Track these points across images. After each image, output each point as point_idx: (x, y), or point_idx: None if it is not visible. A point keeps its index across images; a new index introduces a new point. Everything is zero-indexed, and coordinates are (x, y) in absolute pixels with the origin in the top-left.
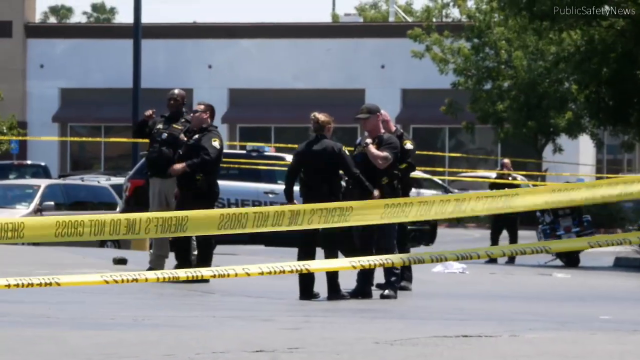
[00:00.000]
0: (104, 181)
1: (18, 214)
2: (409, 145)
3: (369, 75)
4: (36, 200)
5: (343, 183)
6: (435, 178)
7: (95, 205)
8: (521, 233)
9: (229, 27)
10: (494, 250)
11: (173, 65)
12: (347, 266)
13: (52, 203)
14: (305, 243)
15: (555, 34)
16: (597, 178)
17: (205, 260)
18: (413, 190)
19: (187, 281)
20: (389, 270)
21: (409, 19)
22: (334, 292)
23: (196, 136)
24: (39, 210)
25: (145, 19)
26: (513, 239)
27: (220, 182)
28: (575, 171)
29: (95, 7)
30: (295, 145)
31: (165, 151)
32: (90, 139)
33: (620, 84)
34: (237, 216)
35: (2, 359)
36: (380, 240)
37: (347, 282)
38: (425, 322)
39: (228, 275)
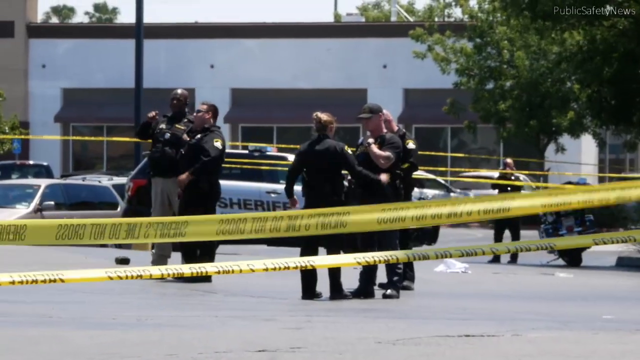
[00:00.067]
0: (106, 181)
1: (18, 213)
2: (411, 145)
3: (371, 75)
4: (36, 200)
5: (345, 183)
6: (438, 178)
7: (96, 205)
8: (523, 233)
9: (231, 27)
10: (498, 247)
11: (175, 65)
12: (351, 262)
13: (52, 203)
14: (308, 243)
15: (557, 33)
16: (600, 178)
17: (208, 259)
18: (415, 189)
19: (191, 280)
20: (391, 270)
21: (411, 19)
22: (337, 291)
23: (198, 136)
24: (39, 210)
25: (147, 19)
26: (516, 239)
27: (223, 182)
28: (578, 171)
29: (97, 7)
30: (298, 146)
31: (168, 151)
32: (92, 138)
33: (622, 84)
34: (236, 222)
35: (7, 359)
36: (382, 241)
37: (350, 282)
38: (427, 321)
39: (232, 271)
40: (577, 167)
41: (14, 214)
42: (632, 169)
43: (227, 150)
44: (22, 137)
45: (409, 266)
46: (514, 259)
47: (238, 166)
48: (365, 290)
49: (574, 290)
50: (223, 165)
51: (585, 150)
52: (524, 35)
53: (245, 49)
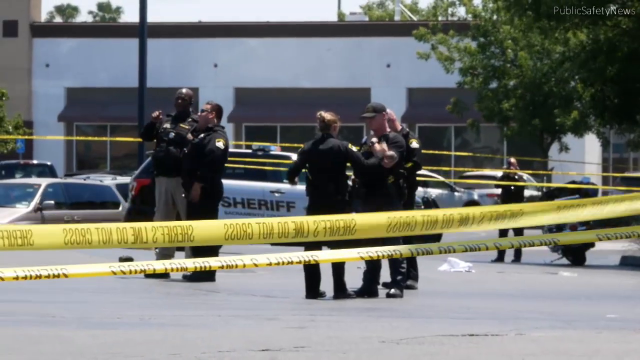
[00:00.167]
0: (110, 180)
1: (18, 212)
2: (414, 144)
3: (375, 74)
4: (36, 199)
5: (349, 182)
6: (441, 177)
7: (97, 204)
8: (527, 232)
9: (235, 26)
10: (502, 242)
11: (179, 64)
12: (354, 257)
13: (52, 202)
14: (312, 243)
15: (560, 33)
16: (603, 177)
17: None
18: (419, 189)
19: (195, 279)
20: (395, 269)
21: (415, 18)
22: (340, 291)
23: (201, 135)
24: (39, 209)
25: (151, 18)
26: None
27: (227, 182)
28: (581, 170)
29: (100, 7)
30: (301, 145)
31: (172, 150)
32: (96, 138)
33: (626, 83)
34: (242, 226)
35: (9, 358)
36: (386, 242)
37: (353, 281)
38: (431, 320)
39: (236, 266)
40: (581, 166)
41: (14, 213)
42: (635, 168)
43: (231, 150)
44: (26, 137)
45: (412, 265)
46: (517, 258)
47: (242, 166)
48: (368, 289)
49: (578, 290)
50: (227, 164)
51: (589, 149)
52: (528, 35)
53: (248, 48)
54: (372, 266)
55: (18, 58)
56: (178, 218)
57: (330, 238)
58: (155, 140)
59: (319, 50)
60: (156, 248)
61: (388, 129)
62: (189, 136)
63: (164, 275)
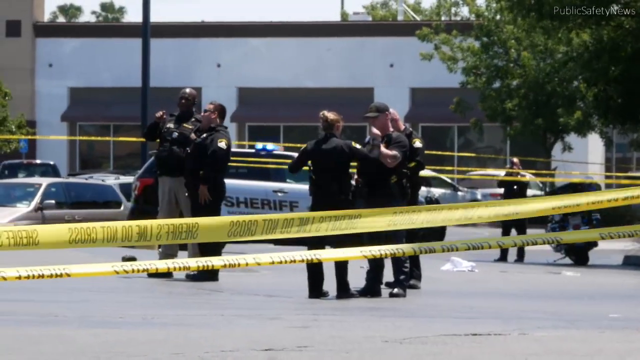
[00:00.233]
0: (113, 180)
1: (19, 212)
2: (418, 143)
3: (378, 74)
4: (37, 198)
5: (352, 182)
6: (444, 176)
7: (98, 204)
8: (530, 232)
9: (238, 26)
10: (505, 241)
11: (182, 64)
12: (357, 255)
13: (52, 202)
14: (315, 242)
15: (563, 33)
16: (607, 177)
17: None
18: (423, 188)
19: (198, 278)
20: (398, 269)
21: (418, 18)
22: (343, 290)
23: (204, 135)
24: (39, 209)
25: (154, 18)
26: None
27: (230, 181)
28: (585, 170)
29: (104, 7)
30: (304, 145)
31: (176, 150)
32: (99, 138)
33: (629, 83)
34: (246, 223)
35: (11, 358)
36: (389, 240)
37: (356, 281)
38: (434, 320)
39: (239, 264)
40: (584, 166)
41: (15, 213)
42: (638, 168)
43: (234, 149)
44: (29, 137)
45: (415, 265)
46: (520, 257)
47: (245, 164)
48: (372, 289)
49: (581, 289)
50: (230, 164)
51: (592, 149)
52: (531, 35)
53: (251, 48)
54: (375, 266)
55: (21, 58)
56: (181, 217)
57: (333, 232)
58: (158, 140)
59: (322, 50)
60: (159, 247)
61: (391, 129)
62: (192, 136)
63: (167, 275)
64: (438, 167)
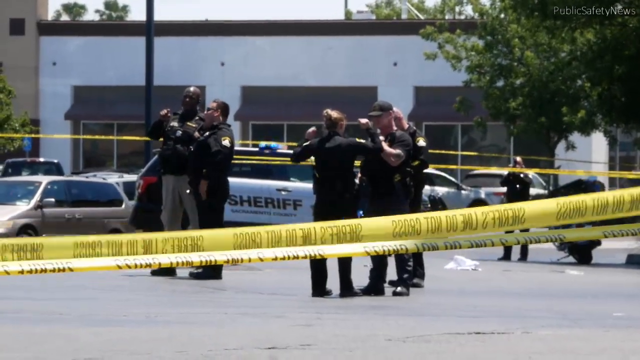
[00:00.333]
0: (117, 178)
1: (18, 210)
2: (421, 142)
3: (381, 73)
4: (37, 197)
5: (357, 180)
6: (448, 175)
7: (99, 202)
8: (533, 230)
9: (242, 24)
10: (508, 238)
11: (186, 62)
12: (360, 251)
13: (52, 200)
14: None
15: (567, 33)
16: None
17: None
18: (426, 187)
19: (201, 276)
20: (401, 268)
21: (422, 17)
22: (347, 289)
23: (206, 134)
24: (39, 207)
25: (158, 16)
26: None
27: (233, 180)
28: (588, 168)
29: (107, 5)
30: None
31: (180, 149)
32: (102, 137)
33: (633, 82)
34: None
35: (14, 356)
36: None
37: (360, 279)
38: (437, 319)
39: (241, 260)
40: (588, 165)
41: (15, 211)
42: None
43: (238, 148)
44: (33, 135)
45: (419, 264)
46: (524, 256)
47: (248, 162)
48: (375, 287)
49: (585, 288)
50: (233, 162)
51: (595, 147)
52: (535, 34)
53: (255, 46)
54: (379, 264)
55: (25, 56)
56: (185, 216)
57: (338, 243)
58: (162, 139)
59: (325, 49)
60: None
61: (395, 128)
62: (196, 134)
63: (171, 273)
64: (442, 166)
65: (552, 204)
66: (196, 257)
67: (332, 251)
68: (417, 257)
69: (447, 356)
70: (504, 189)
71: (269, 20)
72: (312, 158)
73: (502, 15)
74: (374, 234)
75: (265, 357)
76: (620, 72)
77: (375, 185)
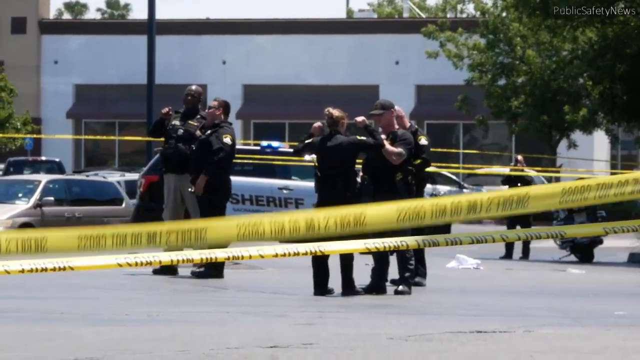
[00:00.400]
0: (118, 177)
1: (18, 209)
2: (423, 141)
3: (383, 72)
4: (36, 195)
5: (358, 179)
6: (450, 174)
7: (99, 201)
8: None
9: (243, 23)
10: (509, 234)
11: (187, 61)
12: (361, 247)
13: (51, 198)
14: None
15: (569, 32)
16: (612, 174)
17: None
18: (428, 185)
19: (203, 275)
20: (403, 266)
21: (423, 15)
22: (348, 287)
23: (208, 132)
24: (38, 206)
25: (159, 15)
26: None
27: (235, 178)
28: (590, 167)
29: (109, 4)
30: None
31: (181, 147)
32: (104, 137)
33: (634, 80)
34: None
35: (14, 355)
36: (394, 234)
37: (361, 278)
38: (439, 317)
39: (242, 257)
40: (589, 163)
41: (14, 209)
42: None
43: (239, 147)
44: (35, 135)
45: (420, 262)
46: (525, 255)
47: (250, 161)
48: (377, 286)
49: (586, 287)
50: (235, 161)
51: (597, 146)
52: (537, 33)
53: (257, 45)
54: (380, 263)
55: (27, 55)
56: (187, 214)
57: (341, 233)
58: (163, 138)
59: (327, 48)
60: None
61: (396, 126)
62: (198, 133)
63: (172, 272)
64: (444, 165)
65: (557, 188)
66: (197, 255)
67: (333, 247)
68: (419, 255)
69: (448, 355)
70: (505, 188)
71: (271, 19)
72: (314, 157)
73: (504, 14)
74: (378, 221)
75: (267, 356)
76: (622, 71)
77: (376, 183)
